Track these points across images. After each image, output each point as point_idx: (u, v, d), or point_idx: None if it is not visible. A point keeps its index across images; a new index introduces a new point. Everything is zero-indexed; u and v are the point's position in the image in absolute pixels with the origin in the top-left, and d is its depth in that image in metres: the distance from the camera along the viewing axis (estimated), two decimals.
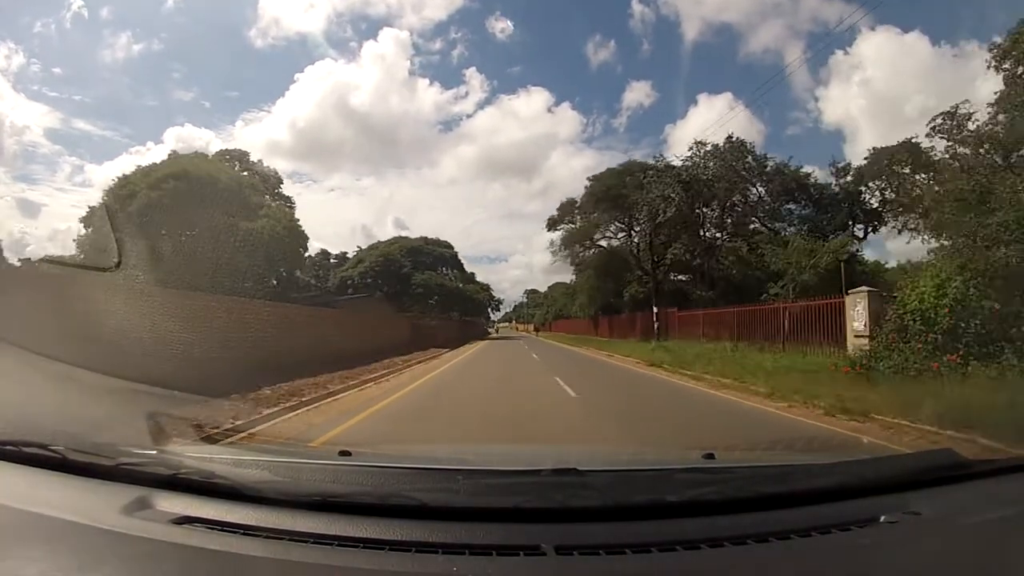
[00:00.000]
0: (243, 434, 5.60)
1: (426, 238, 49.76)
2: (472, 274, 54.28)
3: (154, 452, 1.61)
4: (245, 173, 29.19)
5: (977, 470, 1.60)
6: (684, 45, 64.50)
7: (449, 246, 50.15)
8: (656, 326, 25.51)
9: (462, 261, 51.40)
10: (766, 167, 26.79)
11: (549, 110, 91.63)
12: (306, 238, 28.46)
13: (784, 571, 1.16)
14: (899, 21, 67.45)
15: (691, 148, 26.36)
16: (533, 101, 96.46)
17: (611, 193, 31.06)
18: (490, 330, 68.63)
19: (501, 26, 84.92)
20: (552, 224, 36.10)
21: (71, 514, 1.23)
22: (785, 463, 1.96)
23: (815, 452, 3.00)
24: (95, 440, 1.69)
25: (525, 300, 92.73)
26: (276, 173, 32.10)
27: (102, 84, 54.04)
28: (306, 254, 29.60)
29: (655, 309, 26.44)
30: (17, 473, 1.46)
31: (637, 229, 32.07)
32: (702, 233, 28.49)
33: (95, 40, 56.40)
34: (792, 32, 60.45)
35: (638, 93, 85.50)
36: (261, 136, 67.77)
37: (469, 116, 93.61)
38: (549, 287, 71.45)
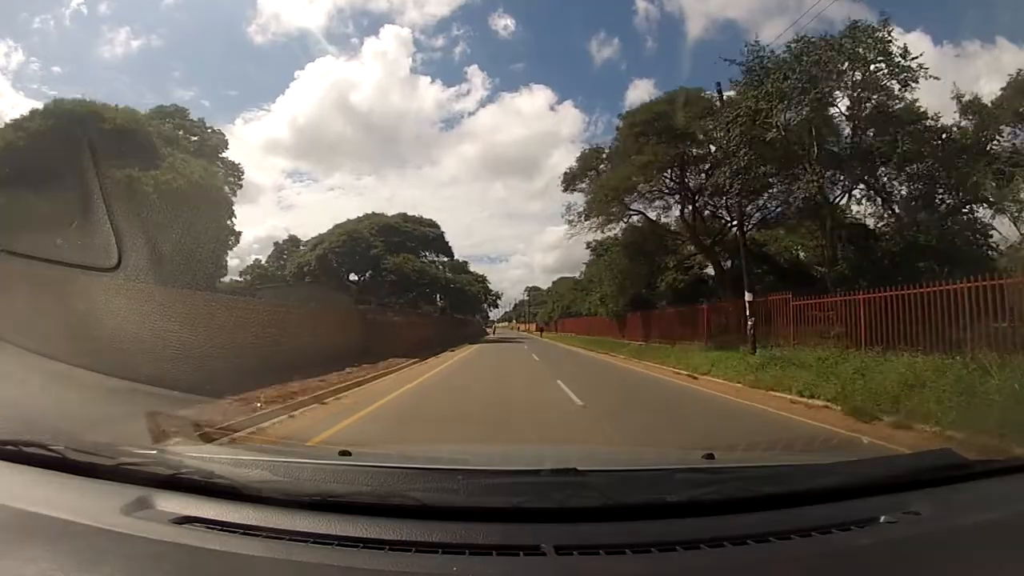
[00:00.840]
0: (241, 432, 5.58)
1: (405, 214, 38.49)
2: (465, 263, 45.19)
3: (154, 452, 1.62)
4: (181, 132, 23.51)
5: (977, 470, 1.60)
6: (688, 42, 64.38)
7: (435, 225, 39.30)
8: (750, 324, 14.87)
9: (456, 252, 42.15)
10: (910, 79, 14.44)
11: (551, 108, 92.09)
12: (230, 203, 21.51)
13: (784, 571, 1.16)
14: (900, 21, 67.22)
15: (788, 48, 14.91)
16: (535, 99, 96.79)
17: (659, 125, 20.35)
18: (487, 330, 65.34)
19: (504, 23, 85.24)
20: (570, 181, 25.66)
21: (71, 514, 1.23)
22: (785, 463, 1.97)
23: (815, 452, 2.99)
24: (94, 439, 1.69)
25: (526, 298, 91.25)
26: (222, 136, 25.33)
27: (101, 83, 53.91)
28: (233, 223, 21.68)
29: (748, 296, 15.28)
30: (17, 473, 1.46)
31: (704, 171, 20.57)
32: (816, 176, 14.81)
33: (94, 38, 56.40)
34: (797, 29, 60.05)
35: (641, 91, 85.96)
36: (261, 135, 68.16)
37: (471, 114, 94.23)
38: (554, 282, 68.85)
